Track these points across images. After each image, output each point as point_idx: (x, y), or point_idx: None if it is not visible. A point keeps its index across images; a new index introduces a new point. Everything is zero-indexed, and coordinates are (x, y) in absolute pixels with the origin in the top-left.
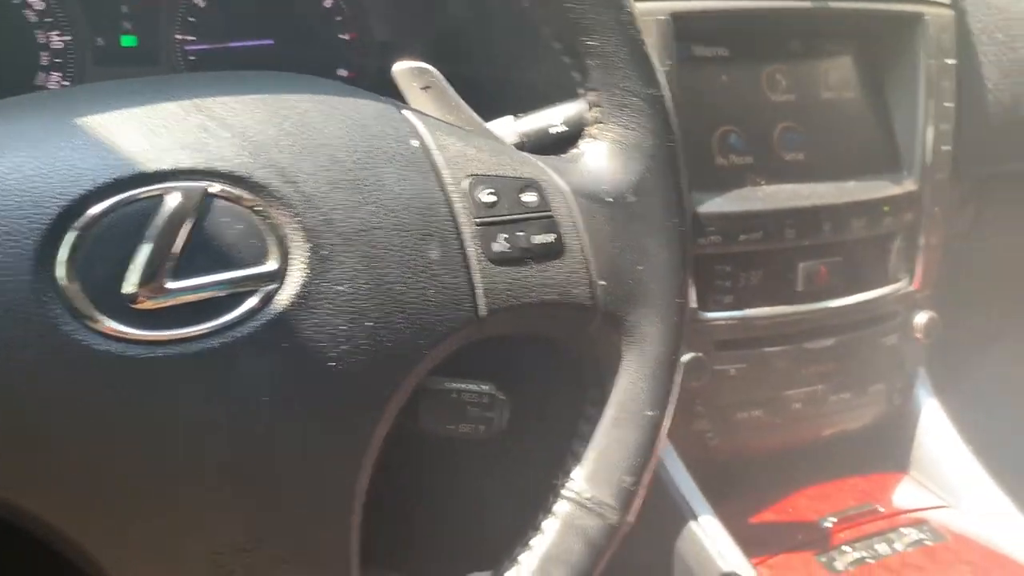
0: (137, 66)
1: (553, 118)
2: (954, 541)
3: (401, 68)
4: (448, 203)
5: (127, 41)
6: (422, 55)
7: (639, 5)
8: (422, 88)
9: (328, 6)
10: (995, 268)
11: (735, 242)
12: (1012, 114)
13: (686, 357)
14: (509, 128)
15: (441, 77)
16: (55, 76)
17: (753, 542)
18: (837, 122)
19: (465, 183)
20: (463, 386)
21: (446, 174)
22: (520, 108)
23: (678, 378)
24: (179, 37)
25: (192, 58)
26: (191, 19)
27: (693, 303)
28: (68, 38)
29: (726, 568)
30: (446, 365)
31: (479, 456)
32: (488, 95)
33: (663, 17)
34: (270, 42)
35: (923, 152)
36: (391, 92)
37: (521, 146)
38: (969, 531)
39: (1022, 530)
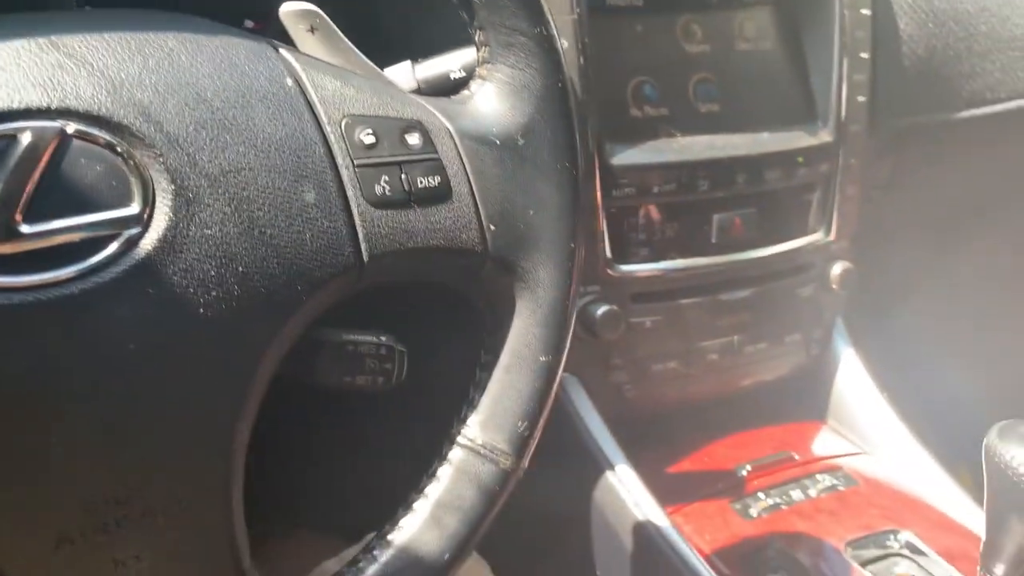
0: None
1: (452, 63)
2: (866, 486)
3: (287, 10)
4: (325, 143)
5: None
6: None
7: None
8: (308, 30)
9: None
10: (912, 219)
11: (649, 194)
12: (927, 65)
13: (602, 309)
14: (408, 74)
15: (328, 19)
16: None
17: (669, 492)
18: (753, 73)
19: (342, 123)
20: (360, 338)
21: (322, 113)
22: (422, 54)
23: (571, 323)
24: None
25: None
26: None
27: (608, 255)
28: None
29: (641, 517)
30: (342, 316)
31: (379, 407)
32: (389, 41)
33: None
34: None
35: (839, 103)
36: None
37: (420, 91)
38: (881, 476)
39: (932, 475)
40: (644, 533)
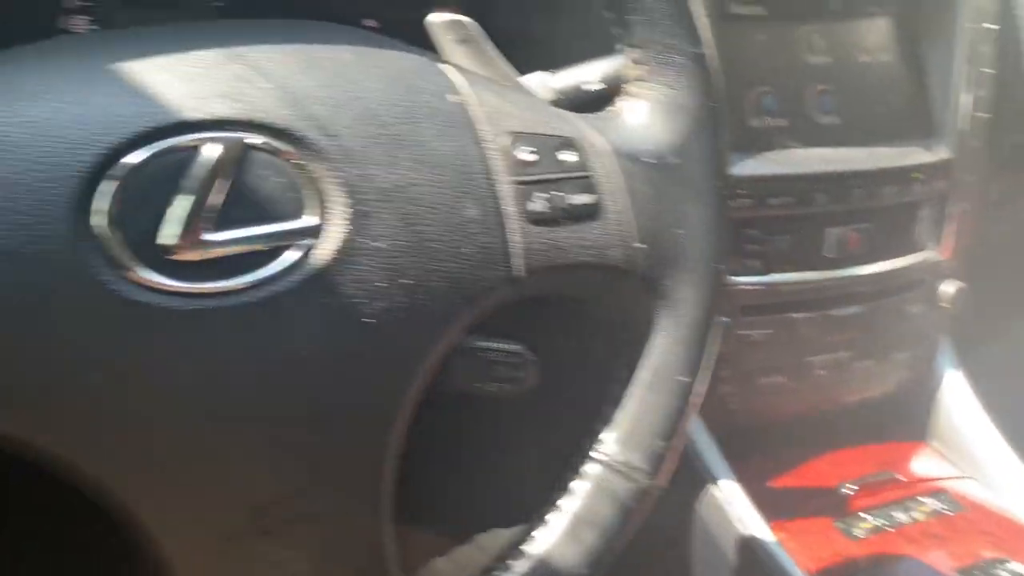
0: (163, 9)
1: (589, 75)
2: (973, 511)
3: (437, 20)
4: (485, 161)
5: None
6: (454, 6)
7: None
8: (458, 42)
9: None
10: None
11: (765, 206)
12: None
13: None
14: (543, 84)
15: (479, 30)
16: (82, 19)
17: (771, 506)
18: (873, 86)
19: (504, 140)
20: (492, 345)
21: (484, 131)
22: (549, 64)
23: (712, 343)
24: None
25: (218, 3)
26: None
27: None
28: None
29: (745, 532)
30: (475, 323)
31: (508, 417)
32: (517, 50)
33: None
34: None
35: (959, 119)
36: (417, 43)
37: (556, 103)
38: (988, 502)
39: None
40: (748, 549)
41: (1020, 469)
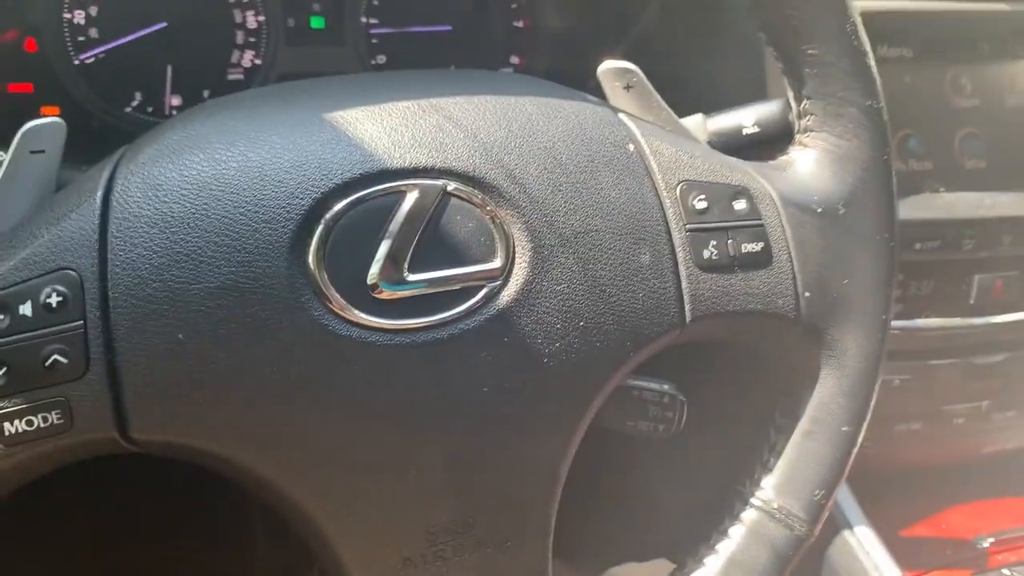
0: (324, 47)
1: (745, 118)
2: None
3: (606, 67)
4: (661, 208)
5: (316, 23)
6: (605, 49)
7: None
8: (625, 87)
9: None
10: None
11: (910, 250)
12: None
13: None
14: (699, 126)
15: (643, 77)
16: (249, 54)
17: (905, 555)
18: (1021, 130)
19: (678, 189)
20: (645, 384)
21: (659, 179)
22: (698, 105)
23: (874, 394)
24: (364, 20)
25: (375, 41)
26: (375, 3)
27: None
28: (262, 18)
29: None
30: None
31: (658, 456)
32: (668, 91)
33: None
34: (448, 28)
35: None
36: (561, 81)
37: (712, 145)
38: None
39: None
40: None
41: None
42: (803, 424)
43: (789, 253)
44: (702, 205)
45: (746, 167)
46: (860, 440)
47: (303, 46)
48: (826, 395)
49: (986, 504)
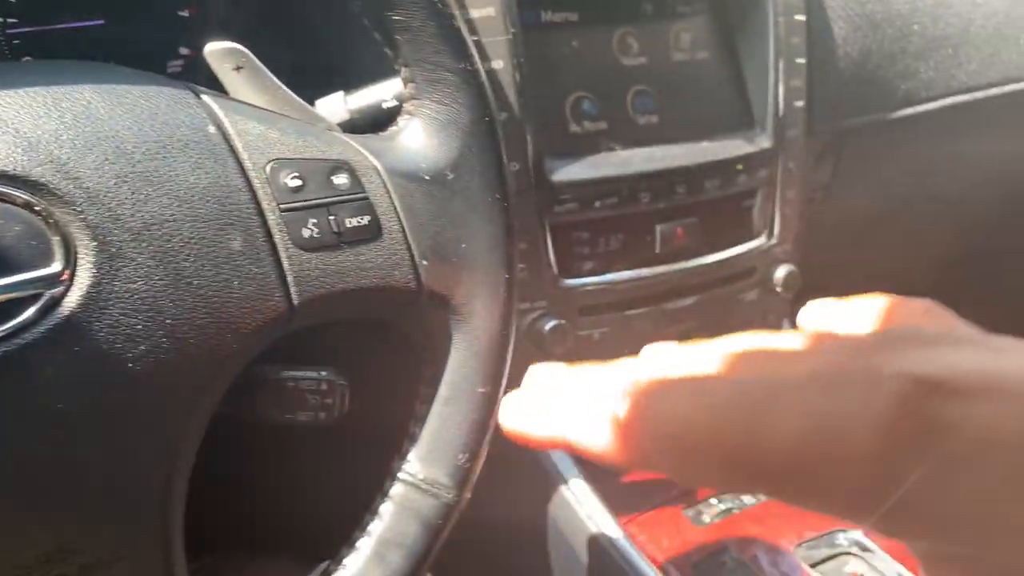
0: None
1: (384, 92)
2: None
3: (212, 49)
4: (250, 190)
5: None
6: (244, 34)
7: None
8: (233, 69)
9: None
10: (856, 219)
11: (591, 208)
12: (862, 67)
13: (550, 324)
14: (340, 105)
15: (253, 57)
16: None
17: (624, 502)
18: (690, 83)
19: (267, 168)
20: (300, 374)
21: (246, 159)
22: (357, 83)
23: (509, 353)
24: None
25: (16, 41)
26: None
27: (554, 271)
28: None
29: (595, 529)
30: (282, 352)
31: (321, 441)
32: (327, 70)
33: None
34: (101, 21)
35: (776, 109)
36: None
37: (353, 123)
38: None
39: None
40: (599, 546)
41: None
42: (442, 391)
43: (400, 223)
44: (296, 183)
45: (348, 140)
46: (500, 399)
47: None
48: (460, 360)
49: None
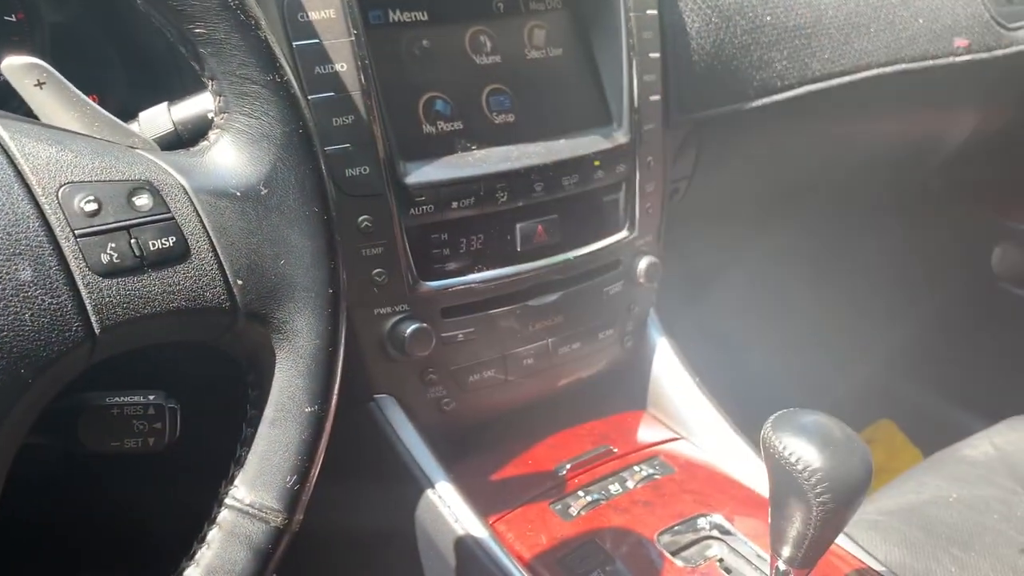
0: None
1: (208, 103)
2: (681, 472)
3: (10, 64)
4: (41, 216)
5: None
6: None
7: None
8: (35, 85)
9: None
10: (716, 210)
11: (449, 210)
12: (716, 59)
13: (411, 328)
14: (164, 116)
15: (54, 72)
16: None
17: (492, 501)
18: (546, 81)
19: (59, 193)
20: (126, 399)
21: (35, 184)
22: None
23: (337, 370)
24: None
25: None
26: None
27: (414, 273)
28: None
29: (461, 531)
30: (108, 378)
31: (155, 466)
32: (163, 78)
33: None
34: None
35: (632, 104)
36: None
37: (179, 134)
38: (696, 460)
39: (741, 456)
40: (465, 546)
41: (723, 426)
42: (268, 413)
43: (211, 243)
44: (92, 207)
45: (152, 159)
46: (330, 417)
47: None
48: (285, 379)
49: (567, 433)
